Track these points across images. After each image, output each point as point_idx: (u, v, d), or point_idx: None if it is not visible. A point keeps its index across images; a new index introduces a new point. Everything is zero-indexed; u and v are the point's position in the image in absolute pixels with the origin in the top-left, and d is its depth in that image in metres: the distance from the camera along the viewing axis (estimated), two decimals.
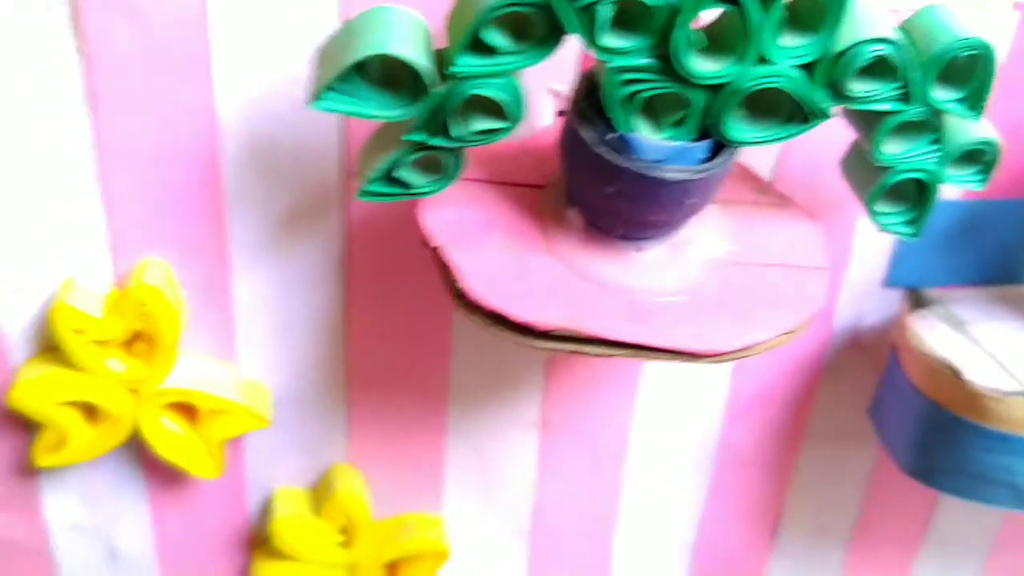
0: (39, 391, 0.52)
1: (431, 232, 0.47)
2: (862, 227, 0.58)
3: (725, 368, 0.62)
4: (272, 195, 0.51)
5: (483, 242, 0.47)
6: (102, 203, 0.50)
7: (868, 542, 0.72)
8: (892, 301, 0.61)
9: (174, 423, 0.55)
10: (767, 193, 0.52)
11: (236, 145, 0.49)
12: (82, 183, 0.49)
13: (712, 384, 0.62)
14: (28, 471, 0.58)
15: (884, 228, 0.50)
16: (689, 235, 0.48)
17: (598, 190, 0.44)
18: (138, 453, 0.58)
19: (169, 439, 0.55)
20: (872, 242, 0.59)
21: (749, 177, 0.52)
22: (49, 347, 0.54)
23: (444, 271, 0.46)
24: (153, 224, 0.51)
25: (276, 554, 0.61)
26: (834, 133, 0.46)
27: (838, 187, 0.55)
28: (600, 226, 0.47)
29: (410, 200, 0.50)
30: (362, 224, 0.53)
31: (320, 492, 0.61)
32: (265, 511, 0.62)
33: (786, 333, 0.47)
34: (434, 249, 0.46)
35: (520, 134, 0.45)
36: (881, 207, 0.49)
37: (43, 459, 0.55)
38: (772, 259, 0.49)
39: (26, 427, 0.56)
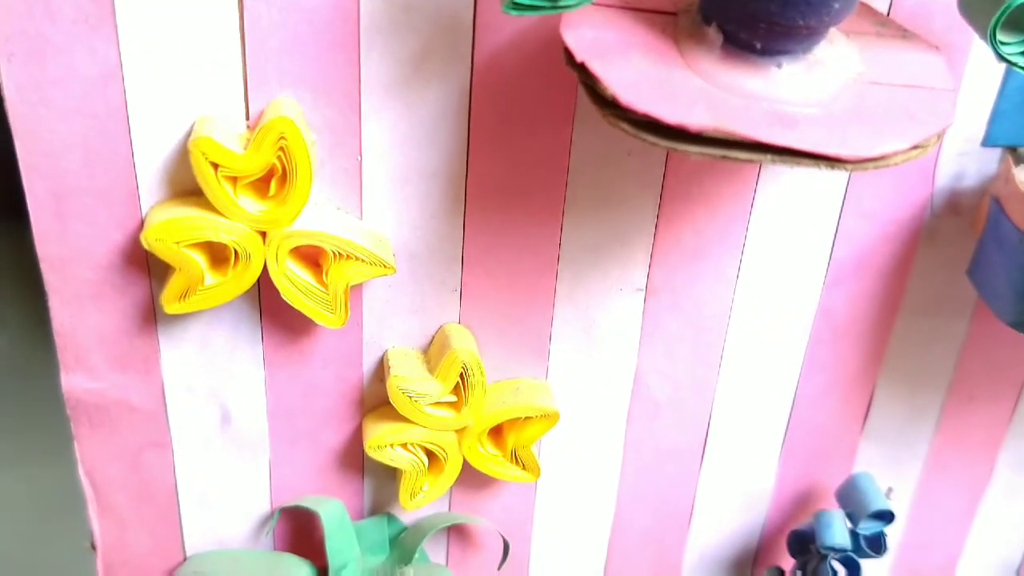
0: (174, 230, 0.53)
1: (574, 49, 0.48)
2: (966, 83, 0.59)
3: (827, 233, 0.63)
4: (405, 31, 0.52)
5: (624, 57, 0.48)
6: (240, 36, 0.51)
7: (956, 429, 0.73)
8: (990, 162, 0.62)
9: (301, 270, 0.56)
10: (888, 26, 0.53)
11: None
12: (222, 11, 0.50)
13: (813, 250, 0.63)
14: (147, 329, 0.59)
15: (1003, 58, 0.51)
16: (822, 56, 0.49)
17: None
18: (257, 310, 0.59)
19: (296, 285, 0.56)
20: (973, 100, 0.60)
21: (870, 12, 0.54)
22: (180, 191, 0.55)
23: (589, 86, 0.47)
24: (289, 60, 0.52)
25: (388, 416, 0.62)
26: None
27: (945, 39, 0.57)
28: (740, 41, 0.48)
29: (538, 45, 0.52)
30: (486, 69, 0.54)
31: (433, 351, 0.62)
32: (377, 375, 0.63)
33: (920, 146, 0.48)
34: (580, 65, 0.47)
35: None
36: (1002, 35, 0.50)
37: (171, 306, 0.56)
38: (901, 80, 0.50)
39: (147, 281, 0.57)
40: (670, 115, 0.45)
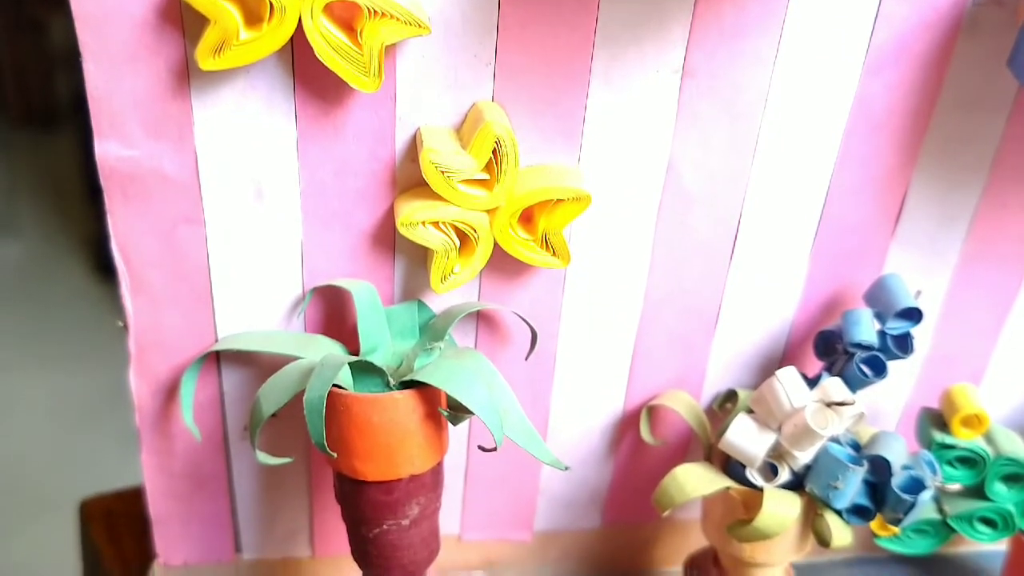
0: None
1: None
2: None
3: (867, 14, 0.62)
4: None
5: None
6: None
7: (987, 238, 0.73)
8: None
9: (336, 30, 0.56)
10: None
11: None
12: None
13: (852, 35, 0.62)
14: (181, 93, 0.58)
15: None
16: None
17: None
18: (291, 76, 0.59)
19: (331, 43, 0.56)
20: None
21: None
22: None
23: None
24: None
25: (420, 195, 0.62)
26: None
27: None
28: None
29: None
30: None
31: (466, 128, 0.61)
32: (409, 154, 0.62)
33: None
34: None
35: None
36: None
37: (205, 62, 0.56)
38: None
39: (182, 41, 0.57)
40: None
